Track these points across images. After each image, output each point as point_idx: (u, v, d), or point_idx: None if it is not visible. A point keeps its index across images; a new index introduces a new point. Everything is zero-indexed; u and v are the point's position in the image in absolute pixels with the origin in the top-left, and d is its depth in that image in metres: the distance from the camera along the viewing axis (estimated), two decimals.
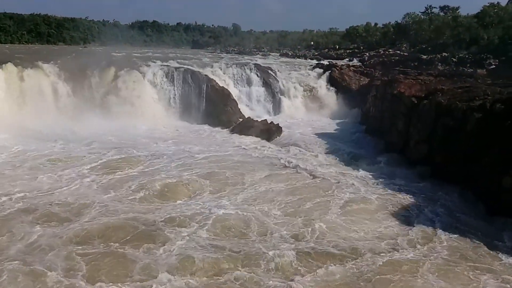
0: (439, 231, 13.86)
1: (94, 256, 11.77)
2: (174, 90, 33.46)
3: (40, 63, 31.63)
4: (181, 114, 32.77)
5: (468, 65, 36.75)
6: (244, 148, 24.95)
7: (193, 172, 19.49)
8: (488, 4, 50.28)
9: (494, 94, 18.69)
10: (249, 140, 26.94)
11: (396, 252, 12.50)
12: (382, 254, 12.30)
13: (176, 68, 34.63)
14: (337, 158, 22.52)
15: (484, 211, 15.18)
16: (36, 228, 13.21)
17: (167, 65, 35.54)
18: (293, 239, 13.10)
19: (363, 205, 16.20)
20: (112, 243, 12.46)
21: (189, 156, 22.49)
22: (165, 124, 30.91)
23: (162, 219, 14.19)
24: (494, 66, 35.14)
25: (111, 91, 32.13)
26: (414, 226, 14.25)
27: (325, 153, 23.65)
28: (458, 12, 56.50)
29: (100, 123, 28.74)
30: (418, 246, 12.87)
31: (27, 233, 12.85)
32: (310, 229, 13.76)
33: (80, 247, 12.14)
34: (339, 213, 15.37)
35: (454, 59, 39.11)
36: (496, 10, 48.69)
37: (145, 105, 32.22)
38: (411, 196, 17.09)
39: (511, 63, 33.75)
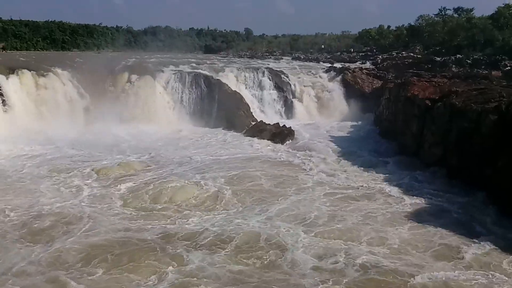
0: (454, 236, 13.70)
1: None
2: (187, 95, 33.71)
3: (55, 69, 32.14)
4: (194, 118, 32.95)
5: (483, 66, 36.30)
6: (259, 152, 25.13)
7: (212, 178, 19.31)
8: (503, 5, 49.69)
9: (509, 96, 18.45)
10: (262, 144, 26.98)
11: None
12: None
13: (188, 73, 34.88)
14: (352, 162, 22.38)
15: (499, 213, 14.96)
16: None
17: (180, 70, 35.78)
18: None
19: (372, 205, 16.19)
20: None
21: (206, 160, 22.65)
22: (178, 128, 31.11)
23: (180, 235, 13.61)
24: (509, 68, 34.64)
25: (125, 96, 32.49)
26: (429, 231, 14.13)
27: (339, 157, 23.56)
28: (473, 13, 55.81)
29: (114, 128, 29.10)
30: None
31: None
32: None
33: None
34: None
35: (468, 61, 38.67)
36: (511, 11, 48.09)
37: (158, 110, 32.54)
38: (426, 198, 16.99)
39: None
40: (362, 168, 21.25)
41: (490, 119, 17.10)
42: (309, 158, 23.39)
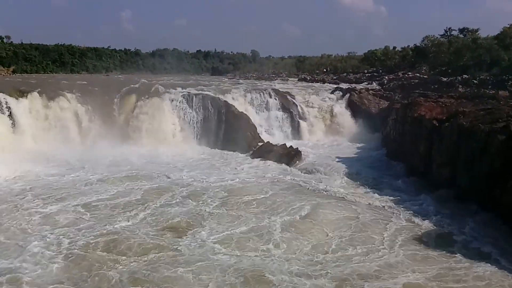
0: (462, 258, 13.59)
1: None
2: (194, 116, 33.86)
3: (64, 92, 32.44)
4: (201, 140, 33.04)
5: (490, 86, 36.22)
6: (264, 173, 24.98)
7: (219, 203, 19.14)
8: (508, 26, 49.90)
9: None
10: (270, 165, 26.94)
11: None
12: None
13: (195, 95, 35.08)
14: (359, 183, 22.29)
15: (511, 233, 14.75)
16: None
17: (187, 92, 35.99)
18: None
19: (378, 227, 16.03)
20: None
21: (214, 183, 22.48)
22: (186, 150, 31.13)
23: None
24: None
25: (132, 118, 32.75)
26: (438, 254, 13.95)
27: (347, 178, 23.44)
28: (478, 34, 56.07)
29: (121, 150, 29.17)
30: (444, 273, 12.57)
31: None
32: None
33: None
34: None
35: (475, 81, 38.65)
36: None
37: (166, 131, 32.68)
38: (436, 220, 16.83)
39: None
40: (369, 190, 21.13)
41: (499, 139, 17.00)
42: (316, 179, 23.32)
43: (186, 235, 15.40)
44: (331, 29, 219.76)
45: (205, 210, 18.04)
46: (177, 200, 19.56)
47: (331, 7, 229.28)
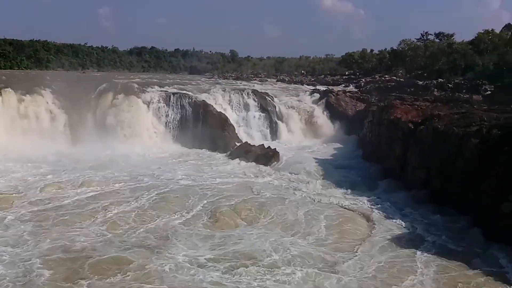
0: (437, 257, 13.75)
1: None
2: (172, 115, 33.63)
3: (39, 89, 31.82)
4: (179, 139, 32.81)
5: (464, 91, 36.98)
6: (242, 174, 24.86)
7: (195, 203, 18.72)
8: (482, 31, 51.04)
9: (490, 120, 18.79)
10: (247, 165, 26.88)
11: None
12: None
13: (173, 94, 34.87)
14: (335, 185, 22.27)
15: (482, 236, 15.03)
16: None
17: (165, 91, 35.77)
18: None
19: (355, 228, 16.23)
20: None
21: (189, 183, 22.14)
22: (162, 149, 30.91)
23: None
24: (489, 92, 35.37)
25: (109, 116, 32.27)
26: (415, 253, 14.12)
27: (323, 179, 23.47)
28: (453, 38, 57.22)
29: (97, 148, 28.73)
30: (418, 271, 12.75)
31: None
32: None
33: None
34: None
35: (450, 85, 39.40)
36: (490, 37, 49.39)
37: (142, 131, 32.36)
38: (410, 222, 16.97)
39: (506, 89, 33.99)
40: (345, 191, 21.15)
41: (472, 142, 17.32)
42: (293, 180, 23.41)
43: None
44: (311, 31, 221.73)
45: (181, 214, 17.41)
46: (148, 199, 19.09)
47: (311, 9, 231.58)
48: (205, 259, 13.28)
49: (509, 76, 37.35)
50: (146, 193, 19.84)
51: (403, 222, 16.98)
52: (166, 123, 33.46)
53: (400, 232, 16.09)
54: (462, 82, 39.56)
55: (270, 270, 12.57)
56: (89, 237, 14.73)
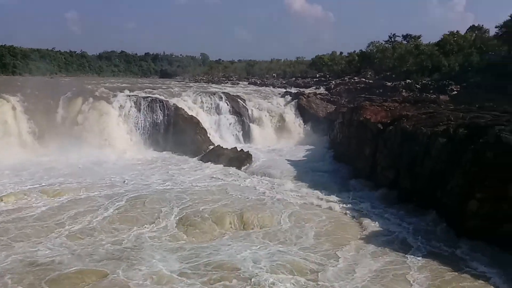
0: (408, 256, 14.00)
1: None
2: (142, 120, 33.27)
3: (5, 95, 31.02)
4: (150, 144, 32.50)
5: (431, 91, 37.85)
6: (215, 177, 24.73)
7: (169, 210, 18.19)
8: (448, 33, 52.38)
9: (457, 119, 19.24)
10: (220, 169, 26.82)
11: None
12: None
13: (144, 98, 34.49)
14: (307, 185, 22.52)
15: (451, 234, 15.37)
16: None
17: (135, 95, 35.34)
18: None
19: (335, 231, 16.31)
20: None
21: (162, 189, 21.76)
22: (134, 155, 30.48)
23: None
24: (456, 92, 36.31)
25: (78, 122, 31.74)
26: (385, 252, 14.34)
27: (296, 180, 23.67)
28: (420, 40, 58.48)
29: (66, 155, 28.15)
30: (387, 269, 12.96)
31: None
32: None
33: None
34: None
35: (417, 86, 40.28)
36: (455, 38, 50.71)
37: (113, 135, 31.87)
38: (380, 221, 17.20)
39: (472, 89, 34.99)
40: (317, 191, 21.35)
41: (439, 142, 17.72)
42: (266, 182, 23.47)
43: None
44: (281, 34, 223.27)
45: (153, 223, 16.87)
46: (118, 208, 18.48)
47: (281, 12, 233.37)
48: (179, 271, 12.71)
49: (474, 76, 38.48)
50: (117, 201, 19.31)
51: (371, 221, 17.22)
52: (137, 128, 33.06)
53: (371, 230, 16.33)
54: (429, 82, 40.51)
55: (251, 282, 12.06)
56: (54, 250, 14.03)
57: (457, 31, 53.14)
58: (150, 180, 23.68)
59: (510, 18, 41.86)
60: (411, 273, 12.84)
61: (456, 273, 12.78)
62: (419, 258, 13.79)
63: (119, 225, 16.58)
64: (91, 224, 16.48)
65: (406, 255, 14.04)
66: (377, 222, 17.05)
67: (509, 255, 13.32)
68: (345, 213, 18.35)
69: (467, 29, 56.06)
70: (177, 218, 17.36)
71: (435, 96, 34.61)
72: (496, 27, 45.71)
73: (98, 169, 25.98)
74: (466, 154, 15.76)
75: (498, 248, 13.73)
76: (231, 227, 16.72)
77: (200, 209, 18.31)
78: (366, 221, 17.13)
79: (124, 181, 23.21)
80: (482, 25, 54.99)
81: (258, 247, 14.57)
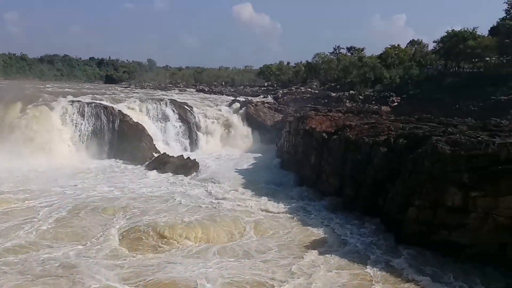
0: (347, 262, 14.35)
1: None
2: (85, 126, 32.22)
3: None
4: (93, 151, 31.49)
5: (374, 102, 39.28)
6: (161, 186, 24.34)
7: (110, 221, 17.52)
8: (390, 46, 54.58)
9: (397, 129, 20.04)
10: (165, 177, 26.45)
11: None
12: None
13: (87, 103, 33.46)
14: (254, 193, 22.59)
15: (392, 241, 15.91)
16: None
17: (78, 100, 34.24)
18: None
19: (278, 237, 16.48)
20: None
21: (105, 198, 21.13)
22: (76, 162, 29.45)
23: None
24: (396, 103, 37.88)
25: (17, 127, 30.31)
26: (323, 258, 14.59)
27: (243, 188, 23.67)
28: (364, 53, 60.56)
29: (4, 163, 26.65)
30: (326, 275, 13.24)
31: None
32: None
33: None
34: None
35: (360, 97, 41.66)
36: (397, 52, 52.93)
37: (54, 142, 30.65)
38: (324, 228, 17.53)
39: (411, 100, 36.64)
40: (263, 198, 21.51)
41: (381, 151, 18.36)
42: (213, 190, 23.31)
43: None
44: (230, 42, 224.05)
45: (90, 233, 16.18)
46: (57, 219, 17.66)
47: (230, 21, 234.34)
48: None
49: (413, 88, 40.35)
50: (57, 212, 18.49)
51: (316, 228, 17.54)
52: (80, 135, 31.97)
53: (317, 237, 16.64)
54: (372, 94, 42.03)
55: None
56: None
57: (398, 45, 55.57)
58: (92, 189, 22.92)
59: (446, 34, 44.30)
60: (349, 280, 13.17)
61: (396, 278, 13.24)
62: (357, 264, 14.15)
63: (58, 239, 15.58)
64: (27, 239, 15.43)
65: (347, 262, 14.37)
66: (324, 231, 17.31)
67: (444, 260, 13.97)
68: (293, 222, 18.48)
69: (408, 43, 58.73)
70: (121, 230, 16.51)
71: (377, 107, 35.92)
72: (434, 42, 48.28)
73: (38, 178, 24.87)
74: (405, 163, 16.40)
75: (436, 254, 14.36)
76: (180, 240, 15.87)
77: (146, 220, 17.53)
78: (314, 230, 17.36)
79: (65, 191, 22.34)
80: (421, 39, 57.81)
81: (211, 262, 14.01)
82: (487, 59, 43.16)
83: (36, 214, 18.14)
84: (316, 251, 15.24)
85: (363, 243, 16.02)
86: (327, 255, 14.86)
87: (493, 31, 44.07)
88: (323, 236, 16.83)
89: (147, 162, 29.71)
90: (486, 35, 43.39)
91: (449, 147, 14.96)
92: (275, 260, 14.48)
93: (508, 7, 45.39)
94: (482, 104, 31.91)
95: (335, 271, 13.70)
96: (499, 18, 46.06)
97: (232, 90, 63.97)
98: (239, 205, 20.45)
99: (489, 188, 13.67)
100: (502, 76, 35.73)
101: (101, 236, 16.06)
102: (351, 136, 20.78)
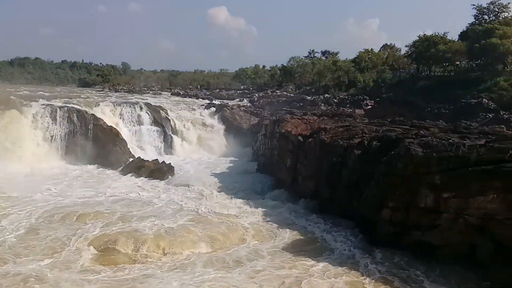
0: (324, 263, 14.50)
1: None
2: (58, 130, 31.51)
3: None
4: (67, 156, 30.84)
5: (348, 105, 39.73)
6: (136, 191, 23.94)
7: (84, 229, 16.80)
8: (363, 50, 55.45)
9: (370, 132, 20.35)
10: (141, 181, 26.18)
11: None
12: None
13: (60, 107, 32.75)
14: (230, 196, 22.65)
15: (366, 242, 16.15)
16: None
17: (51, 104, 33.54)
18: None
19: (254, 240, 16.51)
20: None
21: (78, 204, 20.67)
22: (47, 167, 28.77)
23: None
24: (370, 107, 38.42)
25: None
26: (295, 262, 14.68)
27: (219, 192, 23.66)
28: (338, 56, 61.38)
29: None
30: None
31: None
32: None
33: None
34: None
35: (335, 100, 42.11)
36: (370, 56, 53.80)
37: (25, 147, 29.92)
38: (299, 230, 17.65)
39: (385, 103, 37.22)
40: (240, 202, 21.57)
41: (355, 154, 18.61)
42: (189, 194, 23.23)
43: None
44: (205, 45, 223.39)
45: (59, 244, 15.40)
46: (26, 227, 16.98)
47: (206, 24, 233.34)
48: None
49: (386, 92, 41.05)
50: (25, 219, 17.84)
51: (292, 230, 17.63)
52: (52, 139, 31.27)
53: (292, 239, 16.74)
54: (346, 97, 42.56)
55: None
56: None
57: (372, 49, 56.56)
58: (64, 195, 22.38)
59: (418, 38, 45.20)
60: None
61: (370, 280, 13.43)
62: (334, 266, 14.29)
63: (25, 251, 14.63)
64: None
65: (322, 267, 14.51)
66: (299, 233, 17.42)
67: (417, 261, 14.25)
68: (269, 226, 18.49)
69: (381, 47, 59.76)
70: (94, 240, 15.76)
71: (351, 110, 36.32)
72: (406, 46, 49.22)
73: (8, 184, 24.02)
74: (379, 166, 16.66)
75: (409, 254, 14.64)
76: (159, 251, 15.25)
77: (121, 228, 16.97)
78: (290, 233, 17.40)
79: (36, 197, 21.71)
80: (394, 44, 58.95)
81: (193, 275, 13.34)
82: (457, 63, 44.24)
83: (4, 223, 17.31)
84: (290, 254, 15.33)
85: (338, 245, 16.20)
86: (301, 257, 14.99)
87: (463, 36, 45.22)
88: (298, 238, 16.93)
89: (121, 167, 29.35)
90: (457, 40, 44.44)
91: (421, 149, 15.30)
92: (265, 273, 13.72)
93: (477, 13, 46.74)
94: (452, 107, 32.63)
95: (307, 272, 13.85)
96: (469, 23, 47.45)
97: (208, 93, 63.76)
98: (215, 212, 20.14)
99: (460, 189, 14.04)
100: (472, 80, 36.74)
101: (73, 247, 15.17)
102: (326, 139, 20.99)
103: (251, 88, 64.80)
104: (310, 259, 14.80)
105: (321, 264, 14.44)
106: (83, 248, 15.14)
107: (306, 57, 64.93)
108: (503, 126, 23.82)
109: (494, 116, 29.18)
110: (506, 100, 31.36)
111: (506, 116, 28.66)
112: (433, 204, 14.50)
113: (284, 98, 46.72)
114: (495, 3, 45.73)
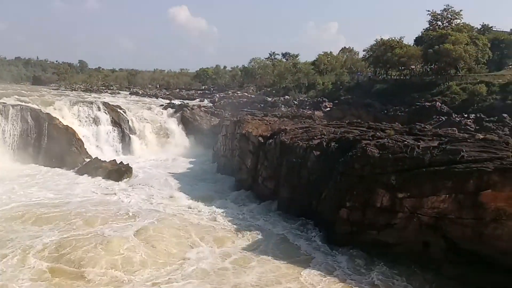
0: (284, 263, 14.68)
1: None
2: (11, 130, 30.33)
3: None
4: (19, 156, 29.74)
5: (307, 107, 40.26)
6: (93, 192, 23.39)
7: (34, 237, 15.77)
8: (322, 53, 56.31)
9: (329, 133, 20.69)
10: (97, 182, 25.54)
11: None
12: None
13: (13, 106, 31.55)
14: (189, 197, 22.43)
15: (324, 241, 16.41)
16: None
17: (3, 102, 32.26)
18: None
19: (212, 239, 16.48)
20: None
21: (29, 206, 19.92)
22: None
23: None
24: (329, 109, 39.06)
25: None
26: (254, 257, 14.92)
27: (179, 193, 23.39)
28: (298, 59, 62.09)
29: None
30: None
31: None
32: None
33: None
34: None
35: (295, 102, 42.60)
36: (329, 59, 54.73)
37: None
38: (259, 230, 17.71)
39: (343, 105, 37.95)
40: (199, 203, 21.37)
41: (314, 154, 18.88)
42: (147, 195, 22.94)
43: None
44: (165, 44, 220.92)
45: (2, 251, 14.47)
46: None
47: (166, 23, 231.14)
48: None
49: (344, 94, 41.84)
50: None
51: (251, 231, 17.68)
52: (3, 138, 30.10)
53: (254, 239, 16.84)
54: (306, 99, 43.13)
55: None
56: None
57: (331, 52, 57.53)
58: (15, 197, 21.52)
59: (375, 42, 46.37)
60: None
61: (327, 277, 13.72)
62: (291, 264, 14.53)
63: None
64: None
65: (279, 264, 14.67)
66: (259, 234, 17.46)
67: (373, 259, 14.61)
68: (222, 223, 18.58)
69: (339, 51, 60.90)
70: (44, 247, 14.86)
71: (310, 112, 36.82)
72: (364, 50, 50.36)
73: None
74: (337, 166, 16.96)
75: (365, 253, 15.01)
76: (120, 259, 14.47)
77: (74, 233, 16.34)
78: (249, 233, 17.45)
79: None
80: (353, 47, 60.20)
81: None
82: (413, 67, 45.64)
83: None
84: (251, 253, 15.48)
85: (300, 244, 16.43)
86: (261, 256, 15.18)
87: (418, 40, 46.71)
88: (258, 239, 16.99)
89: (77, 167, 28.58)
90: (412, 44, 45.82)
91: (378, 151, 15.72)
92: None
93: (431, 19, 48.41)
94: (408, 109, 33.66)
95: (269, 269, 14.08)
96: (423, 29, 49.09)
97: (168, 93, 63.13)
98: (174, 214, 19.81)
99: (414, 189, 14.49)
100: (426, 84, 38.12)
101: (18, 254, 14.14)
102: (286, 140, 21.18)
103: (212, 89, 64.61)
104: (271, 260, 14.90)
105: (281, 265, 14.56)
106: (33, 256, 14.22)
107: (267, 58, 65.37)
108: (455, 128, 24.87)
109: (447, 119, 30.33)
110: (458, 104, 32.71)
111: (458, 119, 29.82)
112: (389, 203, 14.91)
113: (245, 99, 46.84)
114: (448, 10, 47.54)
